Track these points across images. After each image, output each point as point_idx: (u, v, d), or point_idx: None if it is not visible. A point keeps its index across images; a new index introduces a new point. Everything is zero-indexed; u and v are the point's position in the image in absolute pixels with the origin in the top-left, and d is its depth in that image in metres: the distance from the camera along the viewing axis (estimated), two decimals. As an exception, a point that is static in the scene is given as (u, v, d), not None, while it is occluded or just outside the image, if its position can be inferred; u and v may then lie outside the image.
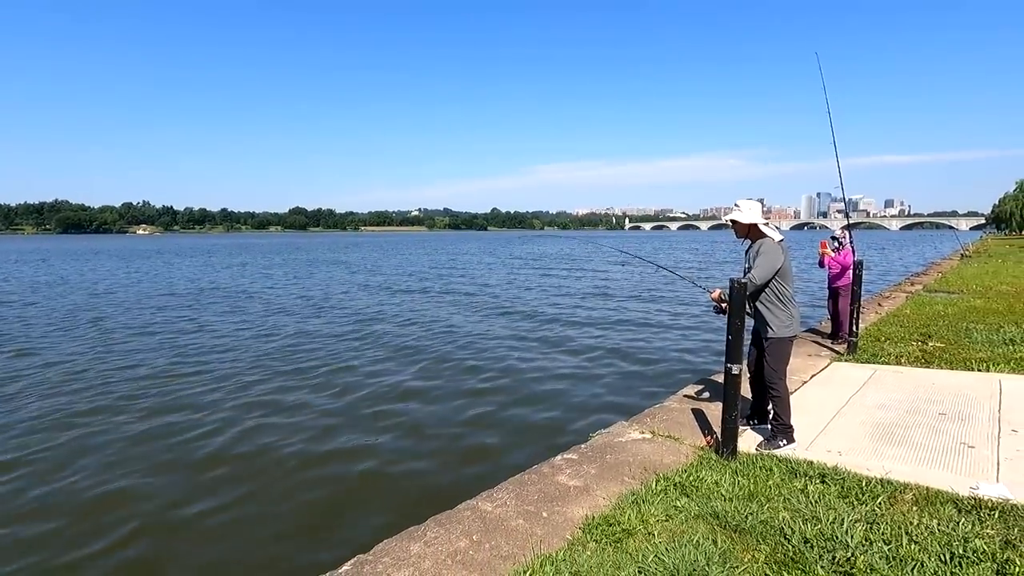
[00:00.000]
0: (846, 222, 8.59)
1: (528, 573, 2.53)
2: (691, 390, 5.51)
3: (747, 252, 4.09)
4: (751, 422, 4.32)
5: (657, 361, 9.21)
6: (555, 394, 7.45)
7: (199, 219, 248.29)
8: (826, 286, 7.89)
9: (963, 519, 2.84)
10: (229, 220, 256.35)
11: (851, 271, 7.05)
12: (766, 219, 4.05)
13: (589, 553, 2.66)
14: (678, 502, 3.11)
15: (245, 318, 13.96)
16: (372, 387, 7.77)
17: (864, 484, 3.24)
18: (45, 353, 9.91)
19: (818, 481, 3.32)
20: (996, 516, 2.86)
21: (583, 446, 4.12)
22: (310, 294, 19.10)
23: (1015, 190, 59.60)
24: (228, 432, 6.15)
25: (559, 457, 3.91)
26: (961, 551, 2.54)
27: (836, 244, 7.65)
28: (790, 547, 2.64)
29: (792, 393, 4.64)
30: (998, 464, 3.56)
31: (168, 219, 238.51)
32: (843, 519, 2.84)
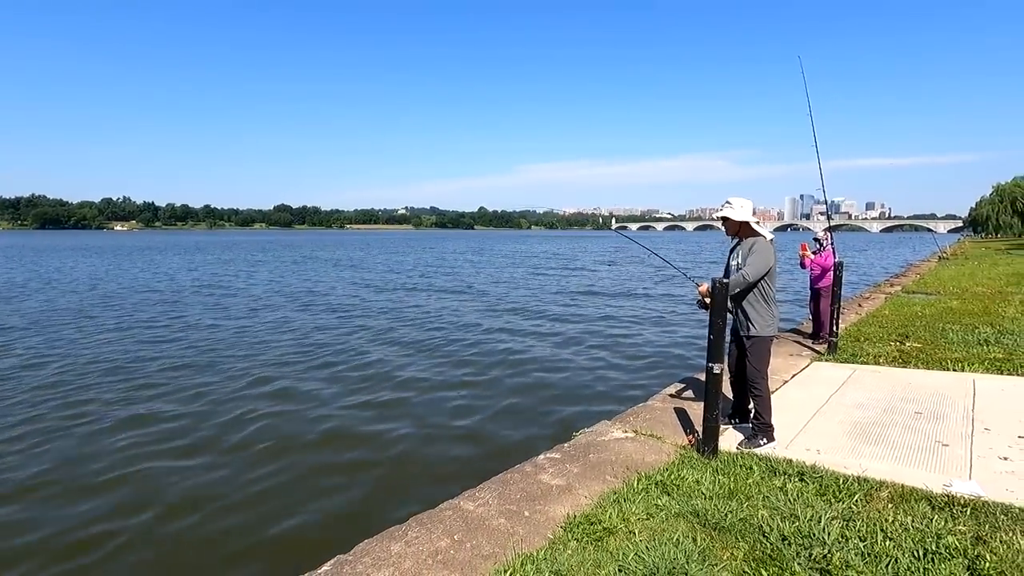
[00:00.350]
0: (827, 224, 8.71)
1: (509, 572, 2.52)
2: (674, 389, 5.55)
3: (733, 250, 4.12)
4: (732, 421, 4.36)
5: (644, 357, 9.27)
6: (540, 392, 7.46)
7: (181, 215, 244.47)
8: (808, 286, 8.00)
9: (936, 516, 2.89)
10: (212, 217, 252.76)
11: (832, 272, 7.15)
12: (757, 219, 4.08)
13: (570, 552, 2.67)
14: (659, 501, 3.13)
15: (216, 319, 13.78)
16: (350, 384, 7.72)
17: (841, 482, 3.29)
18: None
19: (797, 479, 3.36)
20: (968, 513, 2.92)
21: (566, 445, 4.13)
22: (292, 290, 18.91)
23: (991, 194, 60.89)
24: (206, 429, 6.06)
25: (542, 456, 3.92)
26: (934, 547, 2.59)
27: (817, 246, 7.76)
28: (768, 544, 2.67)
29: (773, 392, 4.70)
30: (971, 462, 3.64)
31: (149, 215, 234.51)
32: (820, 517, 2.88)
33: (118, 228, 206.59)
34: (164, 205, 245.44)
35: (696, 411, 4.60)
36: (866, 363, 6.30)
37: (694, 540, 2.73)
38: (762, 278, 3.86)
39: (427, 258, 40.54)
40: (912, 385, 5.39)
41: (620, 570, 2.52)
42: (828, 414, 4.63)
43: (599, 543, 2.74)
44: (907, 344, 7.12)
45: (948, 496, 3.11)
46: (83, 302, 16.06)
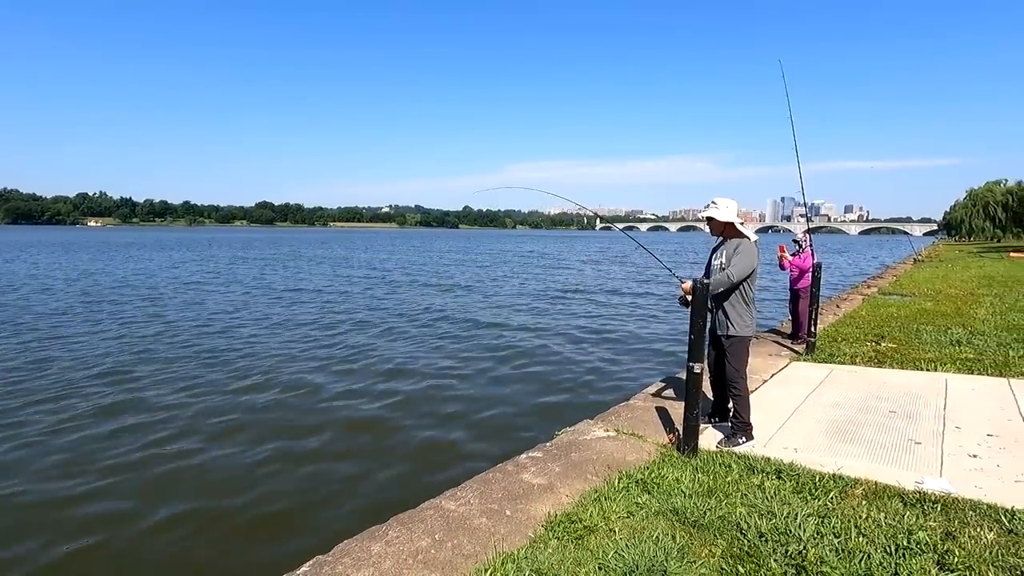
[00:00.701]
0: (807, 226, 8.85)
1: (490, 571, 2.52)
2: (655, 388, 5.60)
3: (716, 249, 4.16)
4: (712, 420, 4.41)
5: (628, 355, 9.33)
6: (523, 390, 7.47)
7: (160, 212, 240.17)
8: (788, 287, 8.12)
9: (908, 512, 2.96)
10: (192, 213, 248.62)
11: (811, 273, 7.27)
12: (741, 220, 4.12)
13: (551, 550, 2.68)
14: (639, 499, 3.16)
15: (182, 322, 13.56)
16: (331, 382, 7.65)
17: (817, 480, 3.35)
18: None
19: (774, 477, 3.41)
20: (939, 509, 2.99)
21: (548, 444, 4.14)
22: (277, 288, 18.68)
23: (965, 198, 62.43)
24: (180, 426, 5.96)
25: (524, 455, 3.92)
26: (905, 543, 2.65)
27: (796, 247, 7.88)
28: (746, 541, 2.71)
29: (752, 392, 4.77)
30: (942, 459, 3.73)
31: (127, 211, 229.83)
32: (797, 514, 2.92)
33: (91, 224, 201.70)
34: (142, 201, 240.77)
35: (677, 410, 4.64)
36: (843, 363, 6.42)
37: (673, 538, 2.75)
38: (745, 279, 3.91)
39: (415, 258, 40.34)
40: (887, 384, 5.51)
41: (600, 568, 2.53)
42: (806, 413, 4.71)
43: (580, 541, 2.75)
44: (883, 344, 7.27)
45: (920, 493, 3.18)
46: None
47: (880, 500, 3.11)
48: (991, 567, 2.47)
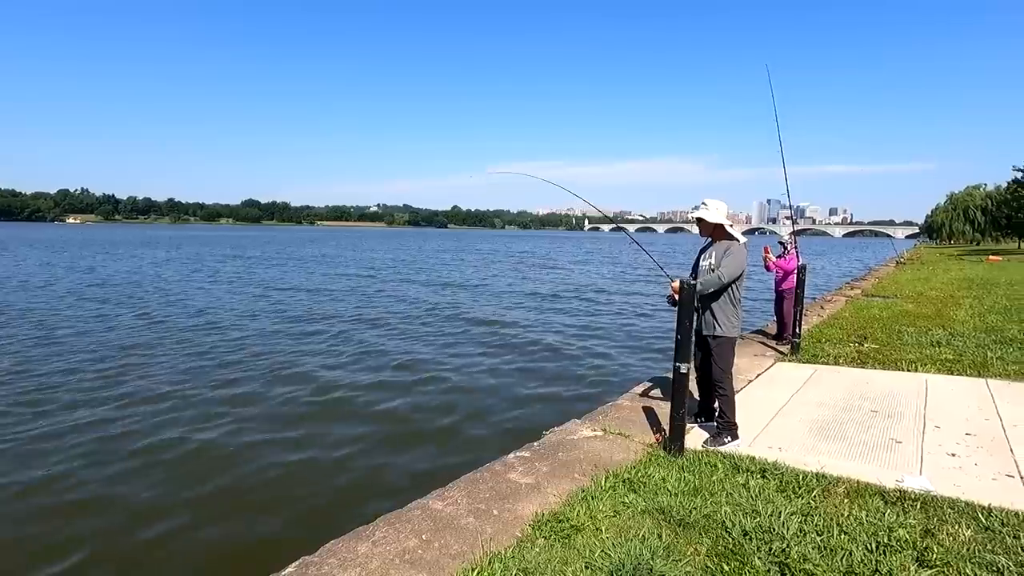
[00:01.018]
0: (792, 228, 8.95)
1: (477, 571, 2.53)
2: (642, 388, 5.64)
3: (704, 250, 4.20)
4: (698, 420, 4.45)
5: (617, 354, 9.38)
6: (510, 390, 7.48)
7: (143, 209, 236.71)
8: (773, 289, 8.21)
9: (889, 510, 3.01)
10: (176, 211, 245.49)
11: (795, 275, 7.35)
12: (730, 223, 4.16)
13: (538, 550, 2.69)
14: (626, 498, 3.18)
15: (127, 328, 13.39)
16: (322, 381, 7.60)
17: (801, 478, 3.39)
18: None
19: (759, 476, 3.45)
20: (918, 507, 3.05)
21: (536, 444, 4.15)
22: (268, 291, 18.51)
23: (946, 202, 63.67)
24: (169, 427, 5.89)
25: (512, 455, 3.93)
26: (886, 540, 2.70)
27: (782, 249, 7.97)
28: (730, 539, 2.74)
29: (738, 392, 4.82)
30: (922, 458, 3.80)
31: (109, 208, 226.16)
32: (780, 512, 2.96)
33: (70, 221, 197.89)
34: (125, 198, 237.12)
35: (663, 410, 4.67)
36: (827, 363, 6.51)
37: (659, 536, 2.78)
38: (735, 281, 3.96)
39: (404, 256, 40.17)
40: (869, 384, 5.60)
41: (587, 567, 2.55)
42: (790, 413, 4.77)
43: (566, 540, 2.77)
44: (865, 345, 7.39)
45: (900, 491, 3.24)
46: None
47: (862, 498, 3.16)
48: (968, 563, 2.52)
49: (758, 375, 6.03)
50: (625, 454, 3.90)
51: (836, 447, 4.00)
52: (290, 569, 2.62)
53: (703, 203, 4.12)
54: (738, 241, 4.04)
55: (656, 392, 5.43)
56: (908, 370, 6.17)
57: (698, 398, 4.49)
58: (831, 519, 2.90)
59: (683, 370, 3.68)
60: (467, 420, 6.42)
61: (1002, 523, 2.86)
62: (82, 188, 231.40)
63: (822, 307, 11.36)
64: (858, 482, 3.36)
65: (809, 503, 3.10)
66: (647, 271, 28.52)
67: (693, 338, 4.01)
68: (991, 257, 30.88)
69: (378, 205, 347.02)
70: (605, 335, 11.42)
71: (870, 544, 2.67)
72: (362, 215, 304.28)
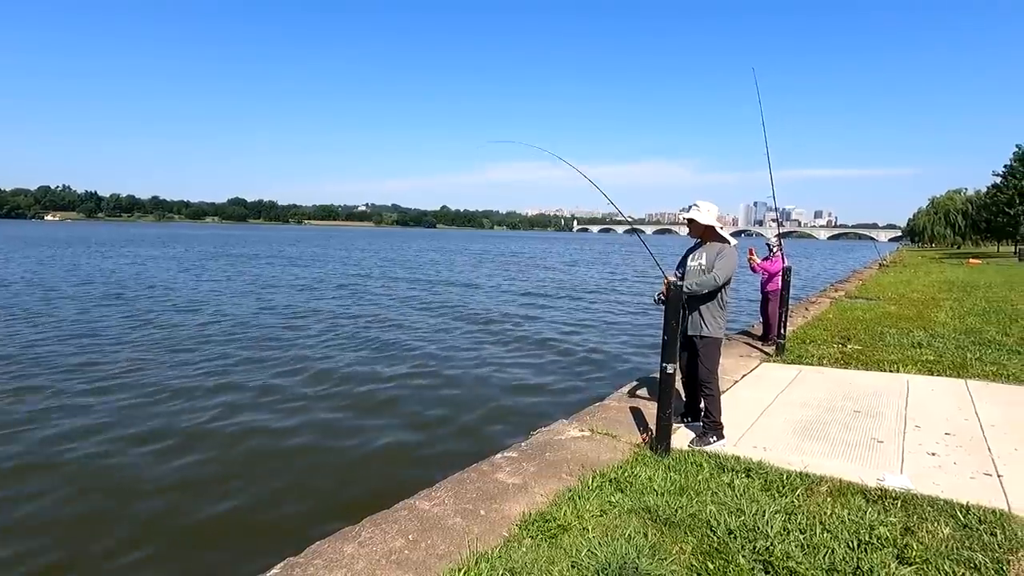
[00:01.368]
0: (778, 230, 9.05)
1: (463, 571, 2.52)
2: (630, 388, 5.67)
3: (692, 251, 4.23)
4: (685, 420, 4.48)
5: (608, 351, 9.41)
6: (498, 390, 7.48)
7: (127, 207, 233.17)
8: (759, 290, 8.30)
9: (870, 508, 3.06)
10: (161, 208, 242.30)
11: (780, 277, 7.43)
12: (720, 225, 4.20)
13: (524, 549, 2.69)
14: (613, 497, 3.20)
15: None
16: (305, 380, 7.54)
17: (785, 477, 3.43)
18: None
19: (744, 475, 3.49)
20: (899, 505, 3.10)
21: (523, 444, 4.16)
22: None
23: (928, 206, 64.80)
24: (149, 423, 5.81)
25: (499, 455, 3.93)
26: (867, 538, 2.74)
27: (768, 251, 8.05)
28: (715, 538, 2.76)
29: (724, 392, 4.86)
30: (903, 457, 3.86)
31: (91, 205, 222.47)
32: (764, 511, 3.00)
33: (48, 218, 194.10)
34: (108, 195, 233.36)
35: (650, 410, 4.70)
36: (811, 364, 6.59)
37: (645, 535, 2.79)
38: (727, 283, 4.01)
39: (392, 256, 39.99)
40: (852, 385, 5.68)
41: (573, 566, 2.56)
42: (775, 413, 4.82)
43: (553, 540, 2.77)
44: (849, 346, 7.49)
45: (881, 489, 3.29)
46: None
47: (844, 497, 3.21)
48: (947, 560, 2.57)
49: (744, 375, 6.09)
50: (612, 454, 3.92)
51: (819, 447, 4.05)
52: (275, 571, 2.60)
53: (695, 204, 4.16)
54: (729, 244, 4.09)
55: (643, 392, 5.46)
56: (890, 371, 6.26)
57: (684, 398, 4.52)
58: (814, 517, 2.94)
59: (670, 370, 3.70)
60: (454, 420, 6.41)
61: (980, 520, 2.92)
62: (64, 185, 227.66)
63: (807, 309, 11.50)
64: (840, 481, 3.41)
65: (793, 502, 3.14)
66: (633, 272, 28.71)
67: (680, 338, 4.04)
68: (971, 260, 31.47)
69: (366, 204, 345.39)
70: (593, 334, 11.46)
71: (852, 542, 2.71)
72: (350, 215, 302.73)
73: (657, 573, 2.49)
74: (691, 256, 4.22)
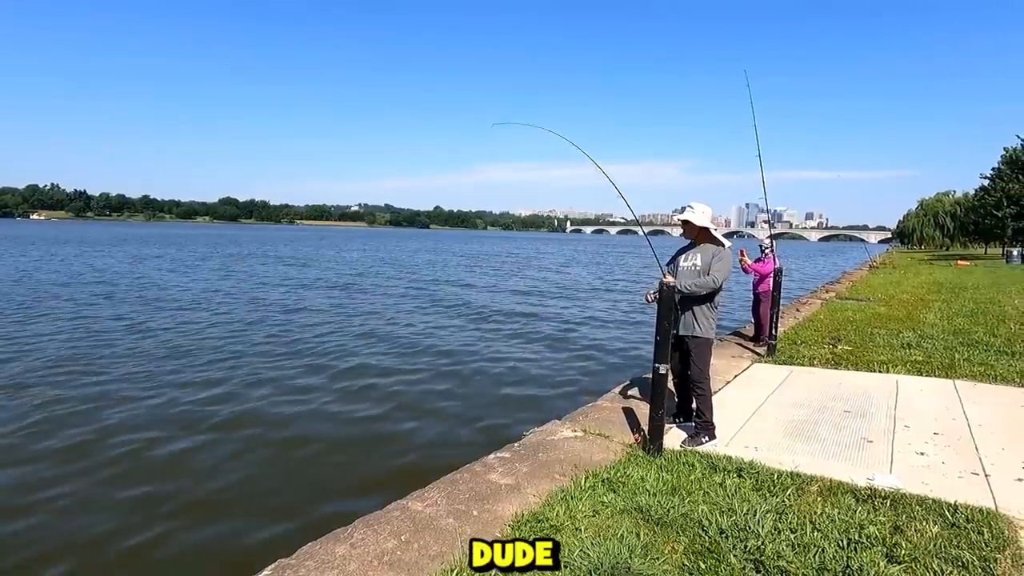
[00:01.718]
0: (770, 232, 9.11)
1: (456, 572, 2.52)
2: (622, 389, 5.68)
3: (684, 251, 4.25)
4: (677, 420, 4.50)
5: (601, 352, 9.43)
6: (492, 390, 7.47)
7: (116, 206, 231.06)
8: (751, 291, 8.35)
9: (860, 508, 3.08)
10: (151, 208, 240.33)
11: (772, 278, 7.48)
12: (715, 227, 4.22)
13: (517, 550, 2.69)
14: (605, 498, 3.20)
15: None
16: (297, 381, 7.51)
17: (776, 477, 3.46)
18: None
19: (735, 475, 3.50)
20: (888, 504, 3.13)
21: (516, 444, 4.16)
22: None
23: (917, 208, 65.44)
24: (146, 427, 5.76)
25: (492, 455, 3.93)
26: (857, 537, 2.76)
27: (759, 253, 8.10)
28: (707, 538, 2.78)
29: (715, 393, 4.88)
30: (892, 457, 3.90)
31: (80, 204, 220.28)
32: (756, 510, 3.01)
33: (34, 217, 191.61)
34: (98, 195, 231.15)
35: (642, 410, 4.72)
36: (802, 364, 6.64)
37: (637, 535, 2.80)
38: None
39: (382, 255, 39.87)
40: (843, 385, 5.72)
41: (565, 566, 2.55)
42: (766, 413, 4.85)
43: (546, 540, 2.77)
44: (839, 347, 7.55)
45: (871, 489, 3.32)
46: None
47: (834, 496, 3.23)
48: (935, 558, 2.59)
49: (735, 376, 6.12)
50: (605, 454, 3.93)
51: (810, 447, 4.08)
52: (266, 572, 2.58)
53: (689, 206, 4.17)
54: (724, 246, 4.11)
55: (635, 392, 5.48)
56: (880, 371, 6.32)
57: (676, 398, 4.54)
58: (805, 517, 2.96)
59: (662, 371, 3.72)
60: (446, 420, 6.40)
61: (967, 519, 2.95)
62: (52, 184, 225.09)
63: (798, 309, 11.58)
64: (831, 481, 3.43)
65: (784, 501, 3.15)
66: (623, 273, 28.79)
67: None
68: (960, 262, 31.81)
69: (359, 204, 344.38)
70: (587, 333, 11.48)
71: (842, 541, 2.73)
72: (343, 215, 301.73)
73: (649, 573, 2.49)
74: (683, 256, 4.24)
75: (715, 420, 4.14)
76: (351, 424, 6.23)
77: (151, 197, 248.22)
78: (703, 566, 2.55)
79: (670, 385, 4.02)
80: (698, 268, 4.07)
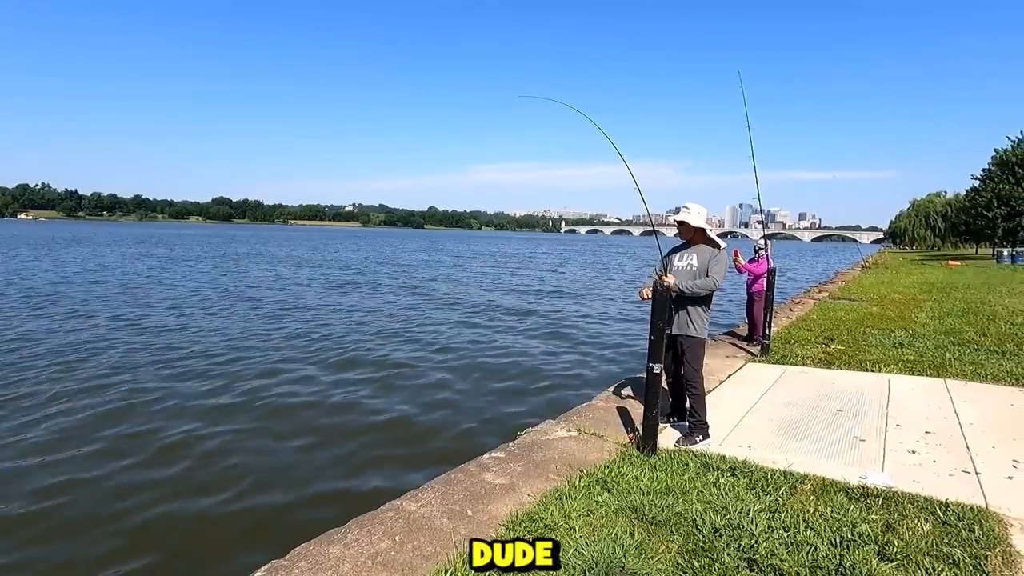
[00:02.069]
0: (763, 232, 9.15)
1: (450, 572, 2.52)
2: (617, 388, 5.69)
3: (678, 250, 4.26)
4: (671, 419, 4.51)
5: (593, 354, 9.44)
6: (487, 391, 7.46)
7: (108, 205, 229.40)
8: (745, 291, 8.38)
9: (853, 506, 3.10)
10: (143, 208, 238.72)
11: (765, 278, 7.51)
12: (710, 228, 4.23)
13: (512, 550, 2.68)
14: (599, 497, 3.20)
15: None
16: (292, 380, 7.47)
17: (769, 476, 3.47)
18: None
19: (729, 474, 3.52)
20: (880, 503, 3.15)
21: (511, 444, 4.16)
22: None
23: (909, 208, 65.89)
24: (134, 426, 5.72)
25: (486, 455, 3.93)
26: (849, 535, 2.78)
27: (753, 253, 8.13)
28: (701, 537, 2.78)
29: (709, 392, 4.90)
30: (884, 455, 3.92)
31: (72, 204, 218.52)
32: (749, 509, 3.02)
33: (21, 217, 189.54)
34: (89, 194, 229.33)
35: (637, 410, 4.73)
36: (795, 364, 6.67)
37: (632, 534, 2.80)
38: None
39: (389, 257, 39.78)
40: (835, 384, 5.75)
41: (560, 566, 2.56)
42: (759, 412, 4.87)
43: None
44: (832, 346, 7.59)
45: (863, 487, 3.34)
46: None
47: (827, 495, 3.25)
48: (927, 556, 2.61)
49: (729, 375, 6.14)
50: (599, 454, 3.93)
51: (803, 445, 4.10)
52: (259, 573, 2.57)
53: (685, 207, 4.19)
54: (721, 247, 4.13)
55: (629, 392, 5.48)
56: (872, 370, 6.36)
57: (670, 398, 4.55)
58: (798, 515, 2.97)
59: (656, 370, 3.73)
60: (441, 421, 6.38)
61: (958, 517, 2.97)
62: (43, 183, 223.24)
63: (791, 309, 11.64)
64: (824, 479, 3.45)
65: (777, 500, 3.17)
66: (619, 273, 28.85)
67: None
68: (951, 262, 32.05)
69: (353, 205, 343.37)
70: (580, 338, 11.49)
71: (834, 539, 2.74)
72: (337, 215, 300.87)
73: (643, 572, 2.50)
74: (678, 256, 4.24)
75: (709, 419, 4.15)
76: (343, 424, 6.20)
77: (143, 197, 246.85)
78: (697, 565, 2.56)
79: (664, 384, 4.02)
80: (694, 268, 4.08)
